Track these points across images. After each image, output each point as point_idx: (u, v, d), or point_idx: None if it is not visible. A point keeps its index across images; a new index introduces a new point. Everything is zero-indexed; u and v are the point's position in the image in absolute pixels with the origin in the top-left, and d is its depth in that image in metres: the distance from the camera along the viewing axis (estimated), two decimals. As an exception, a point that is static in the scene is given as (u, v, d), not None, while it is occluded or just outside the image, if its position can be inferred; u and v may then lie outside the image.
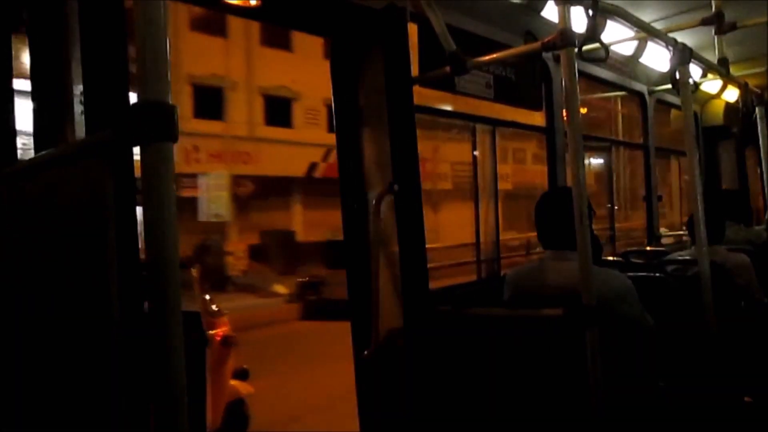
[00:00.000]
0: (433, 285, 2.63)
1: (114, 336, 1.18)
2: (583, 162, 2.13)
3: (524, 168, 23.96)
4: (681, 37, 2.98)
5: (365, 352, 2.45)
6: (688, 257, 3.53)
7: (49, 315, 1.42)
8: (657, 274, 3.06)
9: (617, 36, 3.46)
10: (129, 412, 1.19)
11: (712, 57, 3.54)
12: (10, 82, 1.75)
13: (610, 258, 3.94)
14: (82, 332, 1.30)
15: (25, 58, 1.70)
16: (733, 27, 3.42)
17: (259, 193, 17.83)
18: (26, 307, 1.52)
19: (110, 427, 1.20)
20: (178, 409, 1.04)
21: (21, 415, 1.53)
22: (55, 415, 1.42)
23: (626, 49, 4.36)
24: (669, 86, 3.15)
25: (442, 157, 19.31)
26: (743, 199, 4.89)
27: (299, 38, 17.48)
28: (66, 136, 1.64)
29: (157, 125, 1.07)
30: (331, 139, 2.69)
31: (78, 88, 1.56)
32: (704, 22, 3.32)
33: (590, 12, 2.15)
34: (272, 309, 12.95)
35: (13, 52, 1.78)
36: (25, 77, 1.69)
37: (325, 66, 2.58)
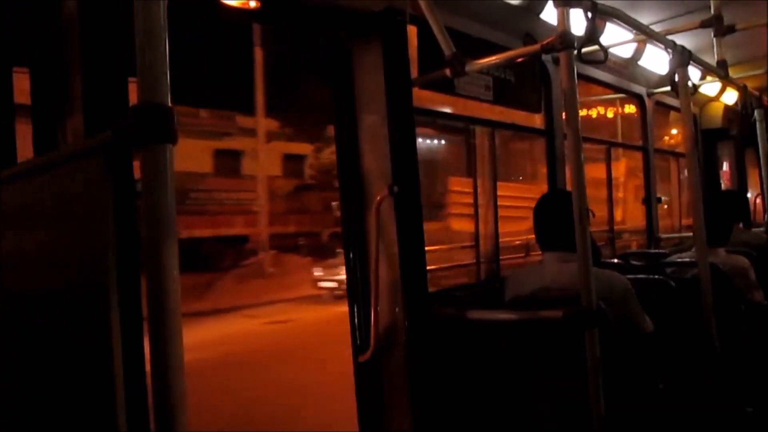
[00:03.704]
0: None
1: (114, 336, 1.18)
2: (582, 164, 2.13)
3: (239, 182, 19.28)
4: (680, 39, 2.99)
5: (364, 354, 2.45)
6: (687, 259, 3.53)
7: (49, 316, 1.42)
8: (656, 276, 3.06)
9: (616, 38, 3.46)
10: (129, 412, 1.19)
11: (711, 59, 3.54)
12: (10, 83, 1.75)
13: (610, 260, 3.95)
14: (82, 332, 1.30)
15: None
16: (731, 29, 3.42)
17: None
18: (26, 308, 1.52)
19: (110, 427, 1.20)
20: (178, 409, 1.04)
21: (20, 415, 1.53)
22: (54, 414, 1.42)
23: (625, 51, 4.36)
24: (668, 88, 3.15)
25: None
26: (742, 201, 4.89)
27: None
28: (66, 137, 1.64)
29: (156, 127, 1.07)
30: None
31: (78, 89, 1.56)
32: (703, 25, 3.33)
33: (589, 14, 2.16)
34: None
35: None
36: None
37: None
